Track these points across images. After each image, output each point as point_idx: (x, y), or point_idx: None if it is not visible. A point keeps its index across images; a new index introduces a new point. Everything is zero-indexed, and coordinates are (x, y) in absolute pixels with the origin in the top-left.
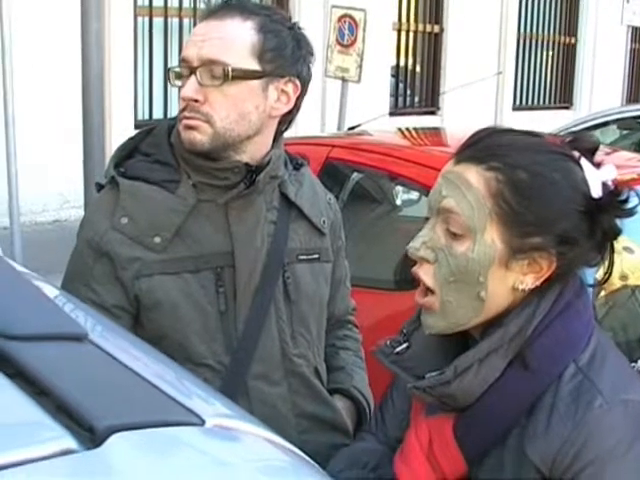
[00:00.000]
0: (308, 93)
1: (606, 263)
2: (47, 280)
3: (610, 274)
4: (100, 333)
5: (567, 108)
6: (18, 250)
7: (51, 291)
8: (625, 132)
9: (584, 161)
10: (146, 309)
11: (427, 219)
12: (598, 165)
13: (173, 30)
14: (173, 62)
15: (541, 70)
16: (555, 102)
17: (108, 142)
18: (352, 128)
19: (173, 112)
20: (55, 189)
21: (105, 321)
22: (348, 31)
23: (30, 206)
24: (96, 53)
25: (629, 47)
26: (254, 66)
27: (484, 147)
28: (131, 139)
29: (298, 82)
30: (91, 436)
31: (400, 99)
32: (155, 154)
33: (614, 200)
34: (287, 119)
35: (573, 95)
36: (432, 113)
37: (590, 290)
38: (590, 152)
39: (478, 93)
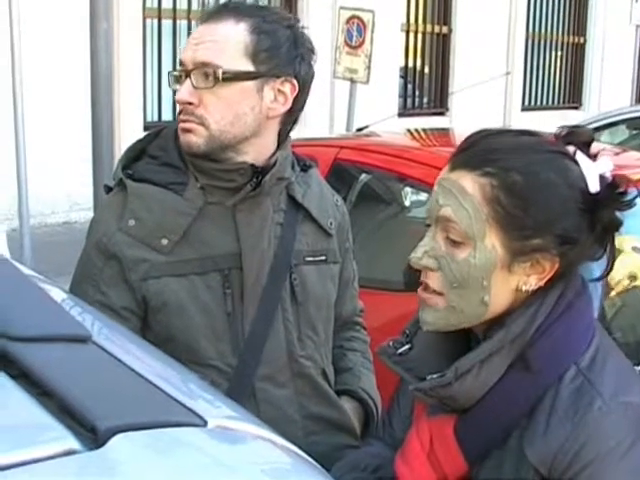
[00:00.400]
0: (316, 94)
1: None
2: (53, 282)
3: (612, 267)
4: (104, 335)
5: (576, 108)
6: (28, 252)
7: (57, 293)
8: (634, 132)
9: (580, 155)
10: (153, 311)
11: (428, 226)
12: (594, 157)
13: (182, 32)
14: None
15: (550, 70)
16: (564, 102)
17: (117, 144)
18: (361, 129)
19: None
20: (64, 191)
21: (110, 323)
22: (356, 32)
23: (40, 208)
24: (105, 55)
25: (638, 46)
26: (248, 67)
27: (478, 152)
28: (139, 141)
29: (295, 82)
30: (94, 437)
31: (409, 100)
32: (163, 156)
33: (613, 193)
34: (289, 119)
35: (582, 95)
36: (441, 114)
37: (598, 286)
38: (585, 145)
39: (487, 94)
